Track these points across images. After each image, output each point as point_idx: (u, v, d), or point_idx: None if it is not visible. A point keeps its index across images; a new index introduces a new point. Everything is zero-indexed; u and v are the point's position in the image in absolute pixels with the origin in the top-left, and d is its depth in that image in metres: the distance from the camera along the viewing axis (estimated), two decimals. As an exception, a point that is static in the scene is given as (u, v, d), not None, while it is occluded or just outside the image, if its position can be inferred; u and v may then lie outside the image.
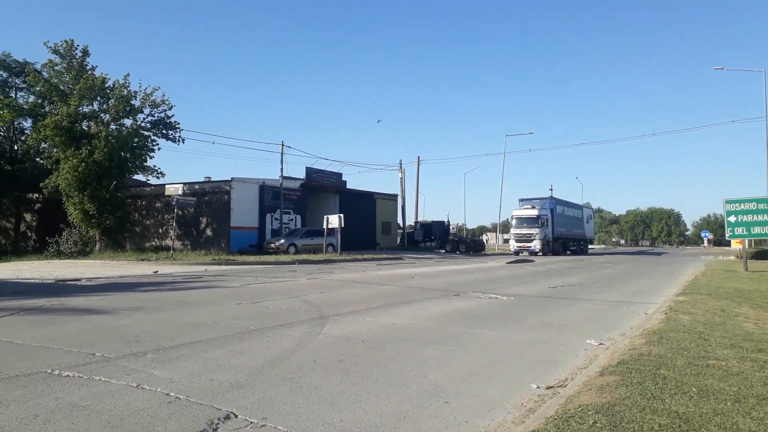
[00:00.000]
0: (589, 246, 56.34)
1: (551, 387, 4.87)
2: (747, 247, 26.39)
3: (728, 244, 50.38)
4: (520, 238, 41.21)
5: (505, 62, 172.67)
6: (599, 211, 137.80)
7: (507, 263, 27.00)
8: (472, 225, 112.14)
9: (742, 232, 21.25)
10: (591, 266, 25.30)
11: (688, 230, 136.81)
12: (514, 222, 42.25)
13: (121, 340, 6.45)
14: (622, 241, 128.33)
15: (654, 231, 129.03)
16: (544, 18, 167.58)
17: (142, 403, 4.16)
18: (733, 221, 21.18)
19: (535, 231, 40.36)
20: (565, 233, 44.78)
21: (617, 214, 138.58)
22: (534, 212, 41.12)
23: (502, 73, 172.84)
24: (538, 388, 4.83)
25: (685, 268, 24.21)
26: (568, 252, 45.72)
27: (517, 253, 40.20)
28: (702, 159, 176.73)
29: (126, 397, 4.28)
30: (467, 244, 46.69)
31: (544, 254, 39.48)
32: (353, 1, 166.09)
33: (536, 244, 40.02)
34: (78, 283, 14.55)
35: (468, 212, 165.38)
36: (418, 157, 52.08)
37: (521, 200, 44.21)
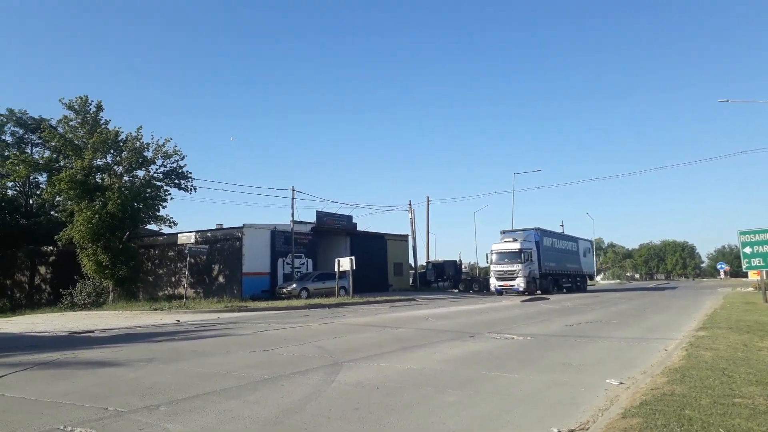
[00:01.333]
0: (589, 282, 51.85)
1: (572, 430, 4.74)
2: (765, 278, 25.98)
3: (745, 275, 49.17)
4: (501, 276, 36.59)
5: (512, 100, 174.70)
6: (612, 246, 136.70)
7: (521, 302, 26.70)
8: (484, 264, 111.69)
9: (759, 263, 20.93)
10: (604, 303, 24.94)
11: (703, 262, 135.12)
12: (493, 257, 37.16)
13: (134, 393, 6.39)
14: (637, 276, 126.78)
15: (668, 264, 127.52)
16: (550, 55, 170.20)
17: (156, 459, 4.09)
18: (748, 252, 20.90)
19: (517, 267, 35.68)
20: (555, 268, 40.15)
21: (630, 249, 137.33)
22: (515, 246, 36.52)
23: (510, 111, 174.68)
24: (560, 431, 4.70)
25: (702, 302, 23.80)
26: (563, 290, 41.56)
27: (499, 292, 36.75)
28: (713, 190, 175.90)
29: (139, 453, 4.21)
30: (480, 282, 46.18)
31: (530, 293, 35.44)
32: (358, 44, 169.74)
33: (519, 282, 35.41)
34: (91, 335, 14.53)
35: (479, 251, 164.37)
36: (428, 197, 52.22)
37: (503, 232, 40.20)
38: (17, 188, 40.14)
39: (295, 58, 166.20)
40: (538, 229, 39.05)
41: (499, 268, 36.72)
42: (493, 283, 37.29)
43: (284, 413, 5.37)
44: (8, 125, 39.49)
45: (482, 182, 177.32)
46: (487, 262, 38.16)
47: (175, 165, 31.98)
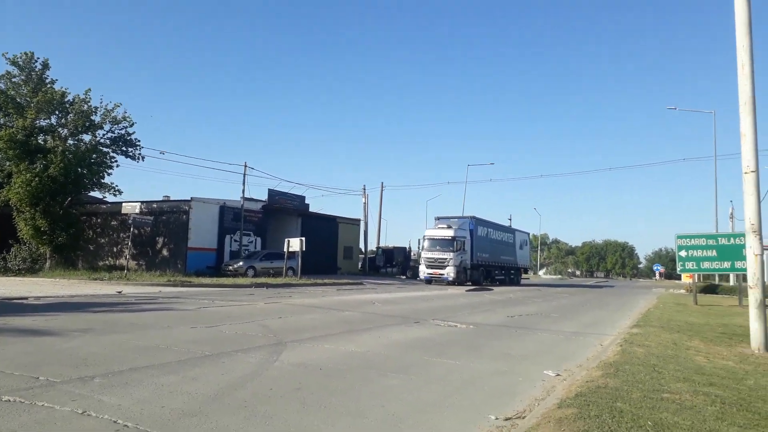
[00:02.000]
0: (524, 276, 50.97)
1: (509, 419, 4.86)
2: (696, 281, 27.23)
3: (679, 277, 51.48)
4: (431, 264, 34.70)
5: (470, 92, 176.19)
6: (556, 242, 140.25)
7: (466, 291, 27.17)
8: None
9: (692, 266, 21.90)
10: (546, 296, 25.66)
11: (641, 263, 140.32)
12: (425, 244, 35.45)
13: (68, 364, 6.18)
14: (578, 272, 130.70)
15: (609, 263, 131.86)
16: (508, 49, 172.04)
17: (87, 431, 3.97)
18: (684, 256, 21.82)
19: (448, 255, 34.00)
20: (488, 259, 38.49)
21: (573, 246, 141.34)
22: (449, 233, 34.82)
23: (467, 102, 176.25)
24: (497, 419, 4.81)
25: (637, 301, 24.79)
26: (495, 282, 39.65)
27: (428, 281, 35.01)
28: (656, 194, 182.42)
29: (70, 425, 4.08)
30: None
31: (460, 283, 33.79)
32: (319, 23, 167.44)
33: (449, 271, 33.76)
34: (25, 302, 13.96)
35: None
36: (382, 183, 52.38)
37: (437, 218, 38.00)
38: (-49, 144, 37.97)
39: (256, 35, 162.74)
40: (473, 217, 37.34)
41: (430, 255, 34.96)
42: (423, 270, 35.48)
43: (224, 390, 5.30)
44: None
45: (436, 171, 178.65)
46: (419, 248, 36.78)
47: (123, 131, 30.93)
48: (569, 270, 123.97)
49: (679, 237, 22.19)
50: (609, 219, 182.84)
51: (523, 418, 4.82)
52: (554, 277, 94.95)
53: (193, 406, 4.71)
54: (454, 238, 34.29)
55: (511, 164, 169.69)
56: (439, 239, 34.89)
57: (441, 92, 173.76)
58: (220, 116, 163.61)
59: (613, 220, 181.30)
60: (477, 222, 37.33)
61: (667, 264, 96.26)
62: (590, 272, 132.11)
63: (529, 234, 50.08)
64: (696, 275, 25.88)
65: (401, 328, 10.82)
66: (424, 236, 36.07)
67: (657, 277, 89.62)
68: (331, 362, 6.93)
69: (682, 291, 38.01)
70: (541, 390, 5.97)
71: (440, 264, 34.20)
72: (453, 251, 34.01)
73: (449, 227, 35.38)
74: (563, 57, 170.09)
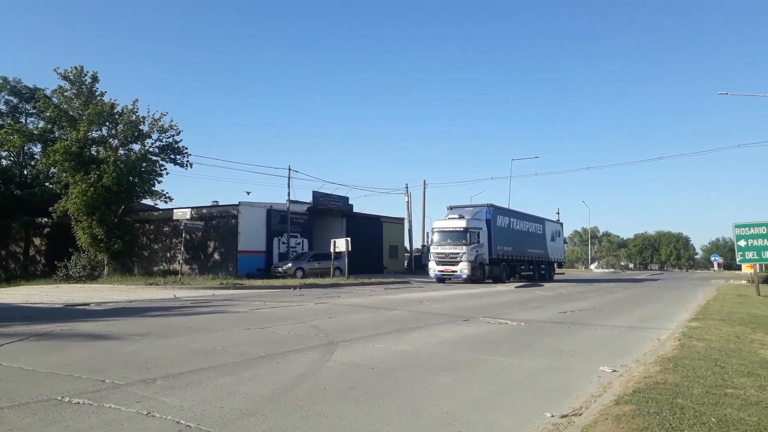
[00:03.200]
0: (558, 270, 45.29)
1: (566, 416, 4.79)
2: (759, 271, 26.14)
3: (739, 268, 49.17)
4: (441, 260, 30.45)
5: (512, 86, 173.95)
6: (607, 235, 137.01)
7: (516, 287, 26.82)
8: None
9: (753, 256, 21.03)
10: (599, 291, 25.12)
11: (697, 254, 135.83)
12: (434, 237, 31.14)
13: (131, 367, 6.42)
14: (631, 265, 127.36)
15: (663, 255, 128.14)
16: (550, 43, 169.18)
17: (153, 431, 4.12)
18: (743, 245, 20.99)
19: (461, 250, 29.67)
20: (512, 253, 33.94)
21: (625, 238, 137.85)
22: (460, 224, 30.34)
23: (509, 96, 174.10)
24: (552, 416, 4.75)
25: (695, 293, 23.98)
26: (521, 279, 35.33)
27: (440, 280, 30.87)
28: (710, 182, 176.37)
29: (136, 425, 4.24)
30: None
31: (476, 281, 29.88)
32: (360, 26, 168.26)
33: (463, 268, 29.46)
34: (87, 308, 14.55)
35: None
36: (424, 181, 52.08)
37: (449, 208, 33.60)
38: (11, 158, 39.86)
39: (297, 39, 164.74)
40: (491, 205, 32.90)
41: (440, 250, 30.65)
42: (432, 267, 31.17)
43: (280, 390, 5.40)
44: (2, 93, 39.04)
45: (480, 167, 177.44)
46: (427, 242, 32.21)
47: (171, 140, 31.83)
48: (622, 263, 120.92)
49: (738, 226, 21.35)
50: (661, 209, 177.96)
51: (580, 415, 4.74)
52: (606, 270, 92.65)
53: (251, 406, 4.82)
54: (467, 230, 29.98)
55: (557, 157, 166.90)
56: (450, 231, 30.63)
57: (483, 87, 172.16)
58: (265, 120, 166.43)
59: (666, 210, 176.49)
60: (495, 210, 33.02)
61: (726, 254, 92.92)
62: (644, 265, 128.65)
63: (562, 224, 44.62)
64: (757, 265, 24.81)
65: (450, 327, 10.79)
66: (432, 228, 31.84)
67: (715, 268, 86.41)
68: (383, 361, 6.98)
69: (743, 282, 36.52)
70: (597, 386, 5.86)
71: (452, 260, 30.05)
72: (466, 244, 29.71)
73: (461, 217, 30.95)
74: (607, 46, 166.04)
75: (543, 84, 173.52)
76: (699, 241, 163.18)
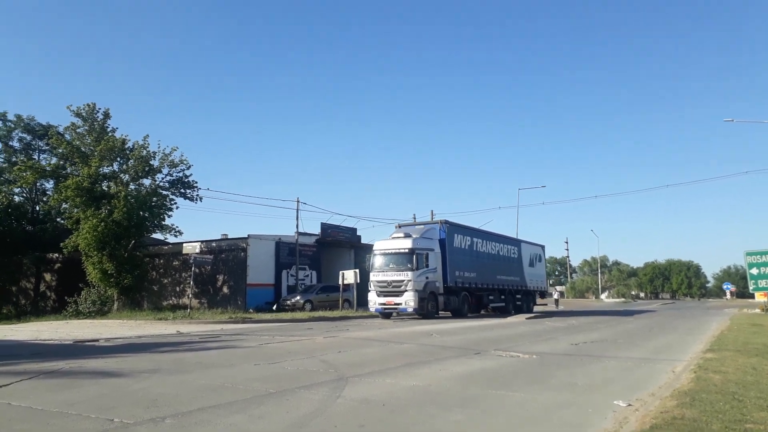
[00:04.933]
0: (540, 300, 39.73)
1: (581, 453, 4.70)
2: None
3: (752, 296, 48.75)
4: (383, 290, 25.00)
5: (517, 115, 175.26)
6: (617, 264, 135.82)
7: (526, 319, 26.55)
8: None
9: (766, 284, 20.82)
10: (609, 322, 24.83)
11: (708, 282, 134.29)
12: (374, 261, 25.70)
13: (140, 405, 6.37)
14: (642, 294, 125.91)
15: (674, 284, 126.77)
16: (555, 71, 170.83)
17: (162, 473, 4.07)
18: (755, 273, 20.82)
19: (405, 276, 24.35)
20: (475, 280, 28.40)
21: (635, 267, 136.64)
22: (405, 244, 24.89)
23: (516, 126, 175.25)
24: (568, 454, 4.66)
25: (709, 323, 23.63)
26: (489, 311, 30.69)
27: (384, 315, 25.29)
28: (720, 209, 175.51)
29: (146, 467, 4.19)
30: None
31: (427, 316, 24.63)
32: (367, 56, 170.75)
33: (408, 299, 24.11)
34: (96, 344, 14.51)
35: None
36: (432, 211, 51.88)
37: (398, 227, 28.31)
38: (24, 194, 40.37)
39: (302, 68, 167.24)
40: (446, 222, 27.60)
41: (381, 277, 25.20)
42: (373, 300, 25.53)
43: (290, 429, 5.34)
44: (16, 131, 39.82)
45: (487, 197, 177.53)
46: (367, 268, 26.60)
47: (181, 174, 32.17)
48: (632, 292, 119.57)
49: (749, 254, 21.21)
50: (671, 237, 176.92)
51: (596, 452, 4.65)
52: (617, 300, 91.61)
53: (261, 445, 4.76)
54: (413, 251, 24.53)
55: (565, 186, 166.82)
56: (392, 254, 25.20)
57: (490, 117, 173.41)
58: (272, 153, 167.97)
59: (676, 238, 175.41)
60: (451, 228, 27.61)
61: (738, 282, 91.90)
62: (655, 294, 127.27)
63: (543, 247, 39.19)
64: (770, 293, 24.50)
65: (462, 360, 10.67)
66: (372, 251, 26.29)
67: (728, 296, 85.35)
68: (393, 397, 6.89)
69: (757, 310, 35.95)
70: (613, 422, 5.74)
71: (396, 289, 24.65)
72: (412, 269, 24.32)
73: (407, 236, 25.52)
74: (612, 74, 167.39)
75: (549, 113, 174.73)
76: (710, 269, 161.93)
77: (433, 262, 25.33)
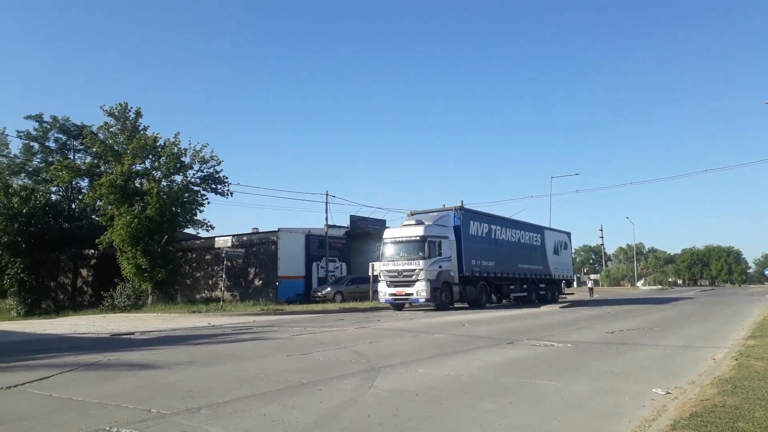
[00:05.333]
0: (567, 290, 37.73)
1: (619, 442, 4.60)
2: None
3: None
4: (393, 280, 24.12)
5: (550, 103, 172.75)
6: (653, 251, 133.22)
7: (560, 308, 26.25)
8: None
9: (810, 269, 20.12)
10: (647, 310, 24.38)
11: (749, 268, 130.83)
12: (384, 251, 24.83)
13: (175, 396, 6.46)
14: (680, 281, 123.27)
15: (713, 270, 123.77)
16: (588, 57, 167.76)
17: (198, 462, 4.11)
18: (798, 258, 20.11)
19: (417, 266, 23.41)
20: (494, 269, 27.28)
21: (672, 254, 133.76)
22: (416, 231, 23.88)
23: (548, 113, 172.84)
24: (605, 443, 4.56)
25: (750, 309, 23.02)
26: (511, 300, 29.96)
27: (395, 306, 24.71)
28: (760, 194, 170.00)
29: (182, 457, 4.23)
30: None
31: (441, 307, 23.67)
32: (392, 46, 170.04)
33: (420, 289, 23.13)
34: (132, 337, 14.82)
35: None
36: (462, 202, 51.66)
37: (410, 214, 27.13)
38: (60, 193, 41.37)
39: (332, 63, 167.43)
40: (461, 208, 26.30)
41: (391, 267, 24.33)
42: (383, 291, 24.65)
43: (323, 419, 5.35)
44: (52, 132, 40.79)
45: (518, 186, 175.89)
46: (378, 258, 25.84)
47: (211, 170, 32.56)
48: (669, 279, 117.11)
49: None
50: (710, 223, 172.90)
51: (634, 441, 4.55)
52: (653, 287, 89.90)
53: (295, 435, 4.78)
54: (424, 239, 23.46)
55: (598, 173, 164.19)
56: (403, 242, 24.29)
57: (521, 104, 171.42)
58: (301, 146, 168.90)
59: (715, 224, 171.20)
60: (467, 215, 26.42)
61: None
62: (693, 281, 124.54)
63: (569, 234, 37.65)
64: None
65: (494, 350, 10.58)
66: (382, 240, 25.34)
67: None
68: (426, 387, 6.86)
69: (800, 296, 34.96)
70: (651, 410, 5.61)
71: (407, 279, 23.66)
72: (424, 258, 23.32)
73: (419, 223, 24.40)
74: (649, 59, 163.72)
75: (581, 100, 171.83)
76: (751, 255, 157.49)
77: (446, 251, 24.36)
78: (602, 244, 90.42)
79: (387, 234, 25.57)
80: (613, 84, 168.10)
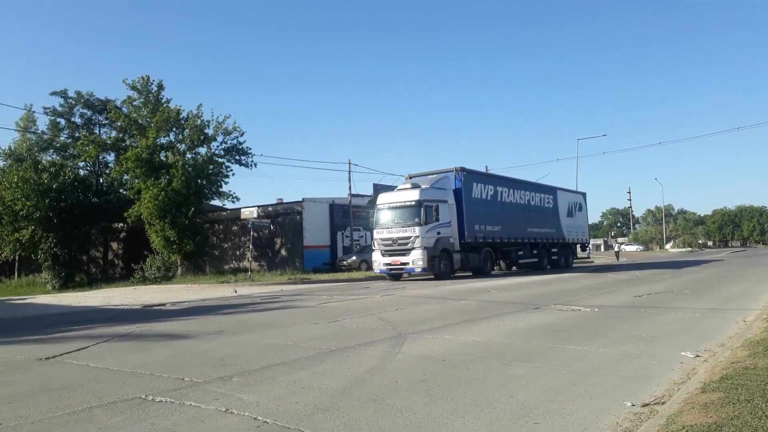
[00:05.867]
0: (580, 254, 36.57)
1: (647, 404, 4.59)
2: None
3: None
4: (388, 248, 22.61)
5: (573, 62, 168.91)
6: (683, 212, 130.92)
7: (587, 272, 26.09)
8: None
9: None
10: (675, 272, 24.09)
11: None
12: (378, 217, 23.42)
13: (208, 364, 6.62)
14: (710, 243, 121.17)
15: (745, 231, 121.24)
16: (612, 14, 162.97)
17: (233, 427, 4.22)
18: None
19: (412, 232, 21.91)
20: (500, 234, 25.71)
21: (702, 215, 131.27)
22: (412, 195, 22.41)
23: (572, 73, 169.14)
24: (633, 405, 4.56)
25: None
26: (521, 267, 28.05)
27: (393, 277, 23.31)
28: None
29: (217, 422, 4.36)
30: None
31: (440, 276, 22.30)
32: (419, 13, 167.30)
33: (416, 257, 21.66)
34: (163, 308, 15.16)
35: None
36: (486, 167, 51.37)
37: (408, 177, 25.82)
38: (88, 168, 42.05)
39: (349, 29, 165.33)
40: (462, 169, 24.14)
41: (385, 234, 22.80)
42: (377, 260, 23.22)
43: (352, 384, 5.44)
44: (77, 107, 41.27)
45: (544, 149, 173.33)
46: (371, 225, 24.68)
47: (235, 141, 32.65)
48: (700, 241, 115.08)
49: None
50: (741, 183, 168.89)
51: (663, 403, 4.53)
52: (683, 250, 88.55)
53: (325, 400, 4.87)
54: (420, 203, 21.90)
55: (626, 134, 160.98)
56: (398, 207, 22.69)
57: (544, 66, 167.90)
58: (323, 114, 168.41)
59: (747, 183, 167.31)
60: (469, 176, 24.53)
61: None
62: (724, 242, 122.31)
63: (584, 194, 35.74)
64: None
65: (521, 315, 10.59)
66: (376, 206, 23.91)
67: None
68: (453, 353, 6.91)
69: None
70: (680, 373, 5.59)
71: (401, 247, 22.18)
72: (420, 224, 21.80)
73: (414, 187, 22.97)
74: (679, 10, 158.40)
75: (608, 57, 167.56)
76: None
77: (445, 215, 22.83)
78: (630, 207, 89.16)
79: (381, 199, 24.01)
80: (640, 41, 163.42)
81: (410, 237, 21.95)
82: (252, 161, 33.27)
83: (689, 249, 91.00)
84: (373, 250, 23.85)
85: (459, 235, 23.52)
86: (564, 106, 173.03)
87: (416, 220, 21.90)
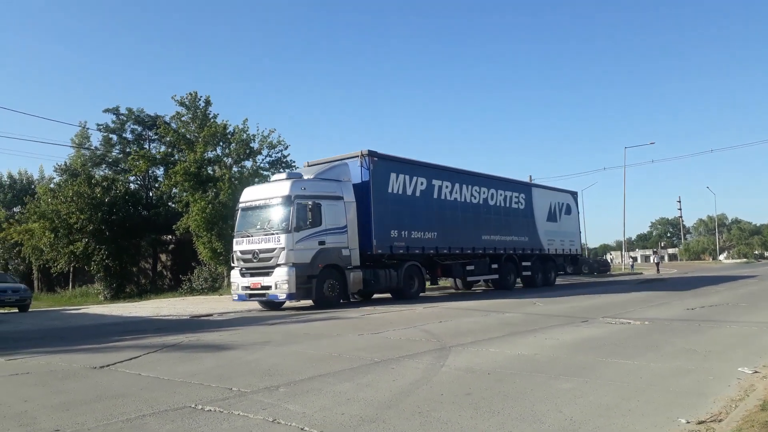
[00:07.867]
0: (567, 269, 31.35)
1: (703, 422, 4.42)
2: None
3: None
4: (248, 264, 16.47)
5: (622, 68, 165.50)
6: (737, 222, 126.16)
7: (638, 283, 25.40)
8: (593, 244, 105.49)
9: None
10: (732, 285, 23.22)
11: None
12: (238, 222, 17.48)
13: (255, 375, 6.72)
14: (767, 254, 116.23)
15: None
16: (664, 24, 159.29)
17: (279, 438, 4.27)
18: None
19: (276, 244, 15.76)
20: (435, 242, 19.82)
21: (758, 225, 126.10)
22: (281, 190, 16.35)
23: (620, 81, 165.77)
24: (688, 423, 4.40)
25: None
26: (469, 285, 23.32)
27: (263, 303, 16.80)
28: None
29: (263, 432, 4.41)
30: (590, 264, 44.01)
31: (319, 304, 16.21)
32: (464, 19, 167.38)
33: (281, 279, 15.43)
34: (210, 318, 15.46)
35: (588, 230, 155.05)
36: (530, 177, 50.73)
37: (306, 165, 20.33)
38: (138, 182, 43.37)
39: (386, 36, 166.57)
40: (372, 153, 17.89)
41: (244, 246, 16.69)
42: (236, 281, 16.91)
43: (397, 396, 5.42)
44: (128, 123, 42.73)
45: (590, 158, 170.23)
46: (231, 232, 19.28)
47: (279, 155, 33.15)
48: (756, 252, 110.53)
49: None
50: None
51: (720, 421, 4.37)
52: (738, 261, 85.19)
53: (370, 412, 4.88)
54: (290, 200, 15.86)
55: (675, 142, 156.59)
56: (260, 207, 16.85)
57: (591, 73, 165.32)
58: (359, 120, 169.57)
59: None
60: (382, 164, 18.29)
61: None
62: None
63: (574, 194, 29.61)
64: None
65: (568, 329, 10.38)
66: (238, 206, 17.79)
67: None
68: (498, 366, 6.82)
69: None
70: (737, 389, 5.37)
71: (263, 264, 16.07)
72: (288, 231, 15.66)
73: (289, 178, 17.14)
74: (729, 14, 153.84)
75: (658, 64, 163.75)
76: None
77: (336, 217, 16.65)
78: (680, 216, 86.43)
79: (244, 195, 17.78)
80: (689, 48, 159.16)
81: (274, 249, 15.83)
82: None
83: (745, 260, 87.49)
84: (233, 267, 17.70)
85: (362, 244, 17.41)
86: (611, 115, 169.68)
87: (283, 225, 15.80)
